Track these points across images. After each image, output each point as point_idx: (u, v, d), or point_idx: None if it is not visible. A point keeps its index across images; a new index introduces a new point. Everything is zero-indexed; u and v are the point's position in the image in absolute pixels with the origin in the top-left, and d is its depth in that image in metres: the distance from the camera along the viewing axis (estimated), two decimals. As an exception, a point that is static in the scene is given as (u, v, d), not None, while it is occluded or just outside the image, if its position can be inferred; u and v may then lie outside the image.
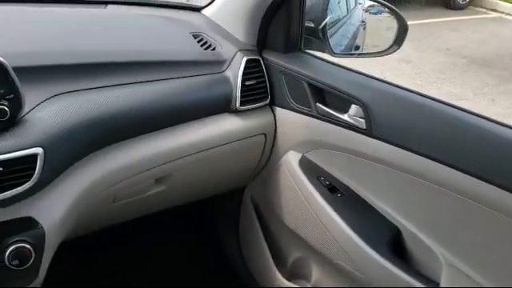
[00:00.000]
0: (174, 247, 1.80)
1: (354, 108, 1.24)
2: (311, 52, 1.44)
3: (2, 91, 0.92)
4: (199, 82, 1.29)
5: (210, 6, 1.53)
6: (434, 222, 1.18)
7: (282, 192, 1.46)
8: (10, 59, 0.92)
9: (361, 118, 1.23)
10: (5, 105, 0.92)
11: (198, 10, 1.56)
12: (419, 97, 1.19)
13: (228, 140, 1.35)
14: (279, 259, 1.58)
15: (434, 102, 1.17)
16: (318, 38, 1.48)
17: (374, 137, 1.20)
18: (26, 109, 0.98)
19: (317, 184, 1.34)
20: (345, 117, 1.25)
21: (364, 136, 1.23)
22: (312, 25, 1.46)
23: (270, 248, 1.60)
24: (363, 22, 1.72)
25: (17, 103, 0.94)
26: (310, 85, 1.32)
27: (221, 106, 1.32)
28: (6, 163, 0.91)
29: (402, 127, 1.17)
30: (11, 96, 0.93)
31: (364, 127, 1.22)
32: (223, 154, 1.36)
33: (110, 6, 1.45)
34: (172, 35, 1.38)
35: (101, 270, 1.65)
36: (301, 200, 1.38)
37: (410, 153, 1.15)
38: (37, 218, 0.99)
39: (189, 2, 1.64)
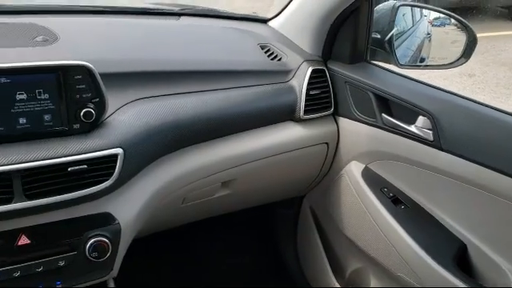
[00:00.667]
0: (233, 250, 1.84)
1: (421, 119, 1.23)
2: (377, 63, 1.45)
3: (89, 95, 1.00)
4: (266, 91, 1.33)
5: (276, 18, 1.57)
6: (502, 237, 1.14)
7: (343, 202, 1.46)
8: (97, 66, 1.00)
9: (428, 129, 1.22)
10: (91, 107, 1.00)
11: (264, 21, 1.60)
12: (490, 109, 1.17)
13: (291, 148, 1.37)
14: (337, 269, 1.58)
15: (505, 115, 1.14)
16: (384, 49, 1.48)
17: (441, 149, 1.19)
18: (109, 112, 1.05)
19: (380, 195, 1.34)
20: (411, 128, 1.25)
21: (431, 148, 1.22)
22: (378, 36, 1.46)
23: (328, 257, 1.60)
24: (429, 34, 1.71)
25: (101, 106, 1.02)
26: (375, 95, 1.32)
27: (285, 114, 1.35)
28: (90, 162, 0.99)
29: (471, 140, 1.15)
30: (97, 100, 1.01)
31: (431, 139, 1.21)
32: (286, 161, 1.39)
33: (182, 18, 1.53)
34: (241, 46, 1.43)
35: (163, 268, 1.71)
36: (362, 211, 1.37)
37: (479, 166, 1.12)
38: (114, 214, 1.06)
39: (256, 14, 1.68)
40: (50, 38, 1.14)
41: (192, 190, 1.25)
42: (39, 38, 1.14)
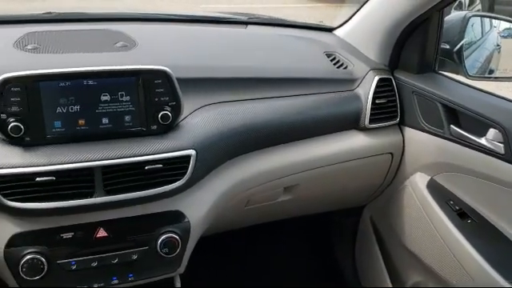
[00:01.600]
0: (290, 256, 1.85)
1: (491, 132, 1.20)
2: (445, 73, 1.42)
3: (166, 98, 1.06)
4: (331, 99, 1.34)
5: (342, 27, 1.58)
6: None
7: (406, 214, 1.44)
8: (173, 71, 1.06)
9: (499, 142, 1.18)
10: (168, 110, 1.05)
11: (329, 30, 1.62)
12: None
13: (355, 156, 1.38)
14: (396, 281, 1.56)
15: None
16: (453, 59, 1.46)
17: None
18: (183, 115, 1.10)
19: (445, 208, 1.31)
20: (481, 140, 1.22)
21: (501, 162, 1.18)
22: (447, 46, 1.44)
23: (387, 269, 1.58)
24: (498, 45, 1.67)
25: (177, 110, 1.07)
26: (444, 106, 1.30)
27: (350, 122, 1.36)
28: (165, 161, 1.04)
29: None
30: (173, 103, 1.06)
31: (502, 152, 1.17)
32: (349, 169, 1.39)
33: (249, 26, 1.57)
34: (307, 54, 1.45)
35: (225, 267, 1.74)
36: (427, 223, 1.35)
37: None
38: (185, 213, 1.10)
39: (322, 23, 1.70)
40: (129, 44, 1.22)
41: (256, 194, 1.28)
42: (119, 44, 1.21)
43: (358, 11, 1.49)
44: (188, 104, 1.11)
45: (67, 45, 1.18)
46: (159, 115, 1.05)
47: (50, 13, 1.41)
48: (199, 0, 6.55)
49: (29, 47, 1.13)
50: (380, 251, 1.60)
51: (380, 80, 1.37)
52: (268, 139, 1.23)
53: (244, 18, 1.61)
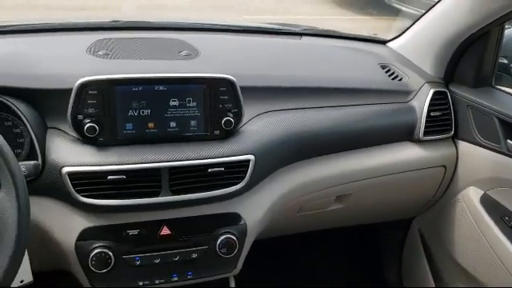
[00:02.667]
0: (335, 265, 1.85)
1: (551, 148, 1.19)
2: (502, 88, 1.41)
3: (230, 105, 1.10)
4: (385, 110, 1.35)
5: (396, 40, 1.59)
6: None
7: (457, 228, 1.43)
8: (236, 79, 1.10)
9: (559, 158, 1.17)
10: (230, 117, 1.10)
11: (383, 42, 1.64)
12: None
13: (407, 168, 1.38)
14: (445, 297, 1.54)
15: None
16: (510, 74, 1.45)
17: None
18: (243, 121, 1.14)
19: (500, 224, 1.30)
20: (540, 156, 1.20)
21: None
22: (505, 61, 1.44)
23: (435, 283, 1.56)
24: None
25: (239, 116, 1.12)
26: (501, 121, 1.29)
27: (404, 134, 1.37)
28: (226, 165, 1.08)
29: None
30: (236, 110, 1.11)
31: (561, 169, 1.16)
32: (401, 181, 1.40)
33: (304, 38, 1.61)
34: (362, 65, 1.47)
35: (274, 271, 1.76)
36: (480, 238, 1.34)
37: None
38: (242, 215, 1.14)
39: (376, 35, 1.72)
40: (193, 52, 1.27)
41: (309, 201, 1.30)
42: (183, 53, 1.27)
43: (413, 24, 1.51)
44: (248, 111, 1.15)
45: (135, 52, 1.25)
46: (222, 121, 1.09)
47: (116, 21, 1.49)
48: (242, 11, 6.67)
49: (100, 53, 1.20)
50: (428, 265, 1.59)
51: (435, 93, 1.38)
52: (323, 147, 1.25)
53: (298, 30, 1.65)
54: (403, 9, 6.07)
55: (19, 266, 0.80)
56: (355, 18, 7.07)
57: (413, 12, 5.69)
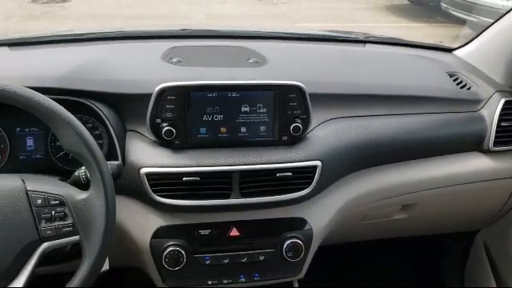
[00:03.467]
0: (395, 276, 1.83)
1: None
2: None
3: (298, 111, 1.13)
4: (453, 119, 1.33)
5: (463, 48, 1.56)
6: None
7: (528, 242, 1.38)
8: (305, 86, 1.12)
9: None
10: (299, 123, 1.12)
11: (449, 50, 1.61)
12: None
13: (476, 179, 1.35)
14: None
15: None
16: None
17: None
18: (310, 127, 1.16)
19: None
20: None
21: None
22: None
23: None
24: None
25: (307, 122, 1.14)
26: None
27: (473, 144, 1.34)
28: (294, 170, 1.11)
29: None
30: (304, 116, 1.13)
31: None
32: (468, 192, 1.36)
33: (368, 45, 1.61)
34: (428, 73, 1.45)
35: (332, 277, 1.76)
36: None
37: None
38: (308, 220, 1.16)
39: (442, 43, 1.69)
40: (261, 60, 1.31)
41: (374, 209, 1.30)
42: (251, 60, 1.31)
43: (483, 32, 1.47)
44: (314, 117, 1.17)
45: (205, 59, 1.30)
46: (291, 127, 1.12)
47: (185, 29, 1.55)
48: (294, 19, 6.71)
49: (173, 60, 1.26)
50: (495, 280, 1.54)
51: (506, 102, 1.34)
52: (390, 155, 1.25)
53: (362, 37, 1.65)
54: (460, 16, 5.91)
55: (105, 259, 0.85)
56: (410, 26, 6.94)
57: (470, 19, 5.53)
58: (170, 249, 1.08)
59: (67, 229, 0.83)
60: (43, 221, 0.83)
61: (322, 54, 1.47)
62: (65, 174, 1.02)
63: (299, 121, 1.13)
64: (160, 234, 1.10)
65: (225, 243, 1.12)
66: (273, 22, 6.42)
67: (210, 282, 1.13)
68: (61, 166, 1.18)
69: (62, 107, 0.85)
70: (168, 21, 6.02)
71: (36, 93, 0.85)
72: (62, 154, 1.18)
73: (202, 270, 1.11)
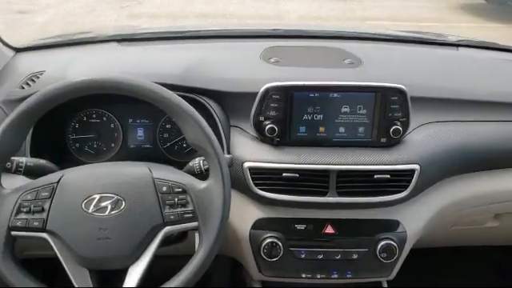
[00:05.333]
0: (479, 282, 1.78)
1: None
2: None
3: (399, 114, 1.14)
4: None
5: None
6: None
7: None
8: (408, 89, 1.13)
9: None
10: (398, 125, 1.13)
11: (549, 56, 1.55)
12: None
13: None
14: None
15: None
16: None
17: None
18: (408, 130, 1.17)
19: None
20: None
21: None
22: None
23: None
24: None
25: (406, 125, 1.14)
26: None
27: None
28: (392, 172, 1.12)
29: None
30: (404, 119, 1.14)
31: None
32: None
33: (461, 49, 1.58)
34: None
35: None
36: None
37: None
38: (403, 223, 1.17)
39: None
40: (356, 61, 1.32)
41: (466, 216, 1.29)
42: (347, 61, 1.33)
43: None
44: (413, 120, 1.17)
45: (302, 59, 1.34)
46: (391, 129, 1.13)
47: (276, 29, 1.60)
48: (363, 18, 6.61)
49: (272, 60, 1.30)
50: None
51: None
52: (487, 162, 1.23)
53: (454, 40, 1.62)
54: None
55: (219, 246, 0.91)
56: (486, 26, 6.64)
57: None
58: (268, 240, 1.13)
59: (188, 215, 0.90)
60: (167, 206, 0.89)
61: (417, 57, 1.46)
62: (170, 164, 1.10)
63: (399, 123, 1.14)
64: (259, 225, 1.15)
65: (320, 239, 1.15)
66: (342, 19, 6.36)
67: (303, 275, 1.17)
68: (167, 155, 1.27)
69: (187, 103, 0.92)
70: (238, 19, 6.12)
71: (165, 88, 0.92)
72: (168, 144, 1.26)
73: (296, 262, 1.15)
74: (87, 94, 0.89)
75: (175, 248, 1.12)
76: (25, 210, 0.87)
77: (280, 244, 1.13)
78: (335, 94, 1.13)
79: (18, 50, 1.37)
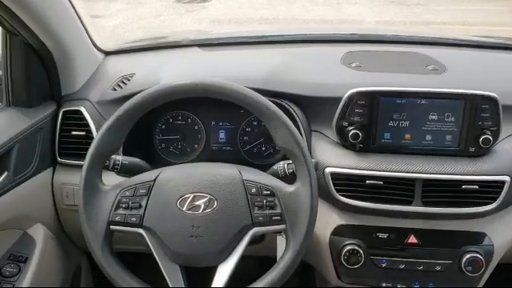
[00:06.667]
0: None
1: None
2: None
3: (489, 123, 1.09)
4: None
5: None
6: None
7: None
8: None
9: None
10: (489, 135, 1.09)
11: None
12: None
13: None
14: None
15: None
16: None
17: None
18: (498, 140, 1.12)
19: None
20: None
21: None
22: None
23: None
24: None
25: (496, 135, 1.10)
26: None
27: None
28: (480, 183, 1.08)
29: None
30: (494, 128, 1.10)
31: None
32: None
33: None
34: None
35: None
36: None
37: None
38: (490, 236, 1.12)
39: None
40: (440, 67, 1.28)
41: None
42: (430, 67, 1.29)
43: None
44: (503, 129, 1.12)
45: (383, 65, 1.31)
46: (480, 138, 1.09)
47: (354, 34, 1.58)
48: (429, 22, 6.40)
49: (353, 65, 1.29)
50: None
51: None
52: None
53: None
54: None
55: (306, 247, 0.91)
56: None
57: None
58: (349, 247, 1.12)
59: (276, 217, 0.91)
60: (256, 208, 0.91)
61: (503, 63, 1.40)
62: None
63: (489, 132, 1.10)
64: (339, 231, 1.14)
65: (402, 249, 1.13)
66: (407, 23, 6.20)
67: (383, 285, 1.15)
68: (246, 158, 1.29)
69: (278, 108, 0.93)
70: (300, 23, 6.13)
71: (257, 93, 0.93)
72: (248, 147, 1.29)
73: (377, 271, 1.14)
74: (189, 96, 0.92)
75: (256, 249, 1.14)
76: (123, 205, 0.91)
77: (361, 251, 1.11)
78: (423, 101, 1.11)
79: (107, 53, 1.44)
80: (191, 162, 1.27)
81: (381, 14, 6.81)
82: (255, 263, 1.32)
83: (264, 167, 1.04)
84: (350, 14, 6.57)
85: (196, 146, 1.30)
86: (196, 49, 1.47)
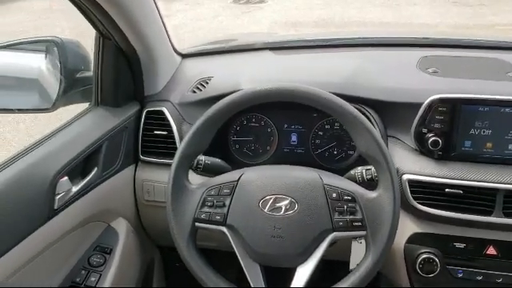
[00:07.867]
0: None
1: None
2: None
3: None
4: None
5: None
6: None
7: None
8: None
9: None
10: None
11: None
12: None
13: None
14: None
15: None
16: None
17: None
18: None
19: None
20: None
21: None
22: None
23: None
24: None
25: None
26: None
27: None
28: None
29: None
30: None
31: None
32: None
33: None
34: None
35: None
36: None
37: None
38: None
39: None
40: None
41: None
42: (511, 74, 1.25)
43: None
44: None
45: (461, 70, 1.28)
46: None
47: (427, 38, 1.55)
48: (495, 22, 6.14)
49: (429, 70, 1.27)
50: None
51: None
52: None
53: None
54: None
55: (387, 254, 0.91)
56: None
57: None
58: (425, 256, 1.10)
59: (357, 223, 0.91)
60: (336, 213, 0.92)
61: None
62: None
63: None
64: (414, 239, 1.13)
65: (480, 260, 1.10)
66: (470, 25, 5.97)
67: None
68: (318, 161, 1.30)
69: (361, 114, 0.93)
70: (357, 25, 6.04)
71: (340, 99, 0.94)
72: (320, 151, 1.30)
73: (453, 281, 1.12)
74: (273, 100, 0.95)
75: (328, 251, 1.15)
76: (209, 204, 0.95)
77: (437, 260, 1.10)
78: (507, 109, 1.08)
79: (183, 56, 1.50)
80: (263, 163, 1.30)
81: (442, 15, 6.60)
82: (323, 266, 1.33)
83: (335, 171, 1.05)
84: (410, 17, 6.40)
85: (268, 147, 1.32)
86: (268, 52, 1.49)
